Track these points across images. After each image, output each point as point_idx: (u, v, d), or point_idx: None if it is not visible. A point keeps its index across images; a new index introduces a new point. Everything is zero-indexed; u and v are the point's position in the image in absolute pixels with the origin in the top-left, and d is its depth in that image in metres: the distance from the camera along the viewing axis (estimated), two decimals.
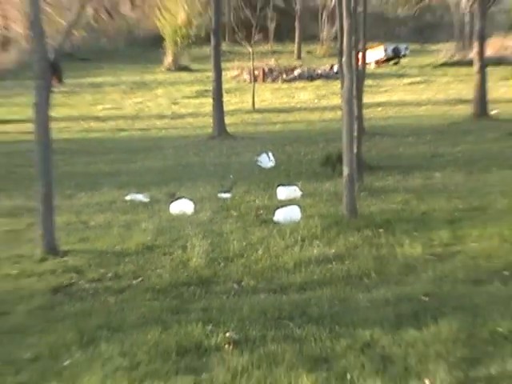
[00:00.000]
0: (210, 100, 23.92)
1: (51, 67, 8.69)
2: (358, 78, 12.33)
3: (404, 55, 38.67)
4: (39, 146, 9.26)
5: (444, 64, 38.68)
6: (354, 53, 11.23)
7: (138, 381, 5.22)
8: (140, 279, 7.78)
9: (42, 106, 9.16)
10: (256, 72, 32.14)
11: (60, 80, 9.56)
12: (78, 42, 15.04)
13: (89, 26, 13.84)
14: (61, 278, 7.77)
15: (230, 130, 22.79)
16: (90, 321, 6.41)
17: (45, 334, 6.18)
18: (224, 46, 27.22)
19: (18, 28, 34.22)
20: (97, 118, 27.66)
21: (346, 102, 10.48)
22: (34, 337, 6.13)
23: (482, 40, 24.66)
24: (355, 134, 11.49)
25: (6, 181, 15.15)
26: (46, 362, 5.65)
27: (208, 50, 27.28)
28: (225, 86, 24.20)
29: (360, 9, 13.07)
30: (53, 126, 9.43)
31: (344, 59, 10.60)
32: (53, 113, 9.40)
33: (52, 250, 8.79)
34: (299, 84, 34.45)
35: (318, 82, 34.22)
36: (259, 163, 15.79)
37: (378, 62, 36.37)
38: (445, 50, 40.92)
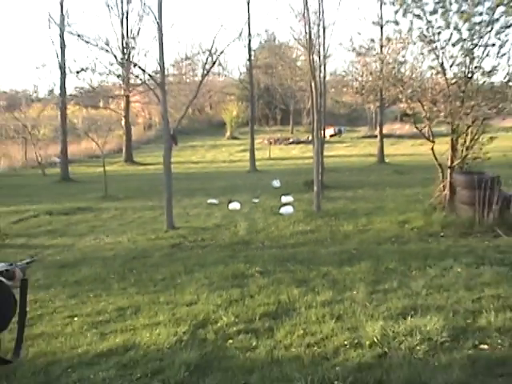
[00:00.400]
0: (248, 153, 38.91)
1: (172, 137, 15.17)
2: (321, 143, 19.24)
3: (342, 133, 59.37)
4: (166, 175, 16.05)
5: (363, 137, 58.08)
6: (319, 130, 18.06)
7: (213, 291, 9.29)
8: (214, 241, 13.83)
9: (167, 156, 15.95)
10: (271, 140, 50.68)
11: (176, 143, 16.03)
12: (184, 125, 22.32)
13: (189, 117, 21.50)
14: (175, 240, 13.98)
15: (258, 168, 37.21)
16: (189, 261, 11.80)
17: (168, 267, 11.36)
18: (255, 127, 41.21)
19: (156, 118, 66.67)
20: (193, 162, 42.58)
21: (315, 154, 17.44)
22: (163, 268, 11.29)
23: (381, 124, 41.93)
24: (320, 170, 18.06)
25: (149, 193, 24.37)
26: (169, 280, 10.37)
27: (247, 128, 45.76)
28: (256, 146, 38.30)
29: (322, 109, 19.40)
30: (172, 166, 16.82)
31: (314, 133, 17.65)
32: (172, 159, 16.91)
33: (171, 226, 15.41)
34: (292, 146, 53.04)
35: (301, 145, 52.37)
36: (273, 184, 25.11)
37: (330, 136, 54.72)
38: (363, 130, 62.03)
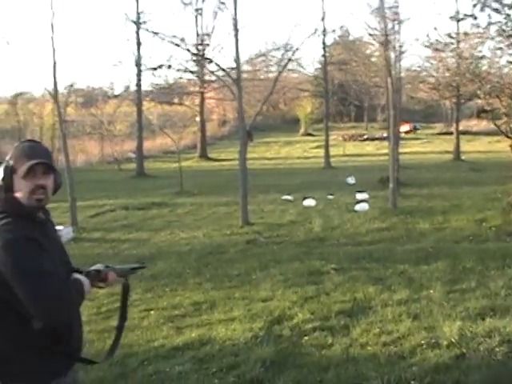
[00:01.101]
0: (322, 150, 39.50)
1: (247, 133, 15.22)
2: (396, 140, 18.47)
3: (418, 129, 59.49)
4: (241, 171, 16.24)
5: (438, 133, 57.73)
6: (395, 127, 17.73)
7: (288, 288, 9.37)
8: (288, 237, 13.85)
9: (243, 152, 16.01)
10: (345, 136, 51.95)
11: (251, 140, 16.01)
12: (258, 121, 22.42)
13: (263, 113, 21.71)
14: (250, 236, 14.06)
15: (332, 164, 36.94)
16: (264, 257, 11.89)
17: (243, 263, 11.47)
18: (329, 124, 41.28)
19: (230, 114, 67.97)
20: (267, 158, 42.56)
21: (391, 151, 17.18)
22: (238, 264, 11.40)
23: (458, 121, 40.98)
24: (396, 167, 17.77)
25: (224, 188, 24.33)
26: (244, 276, 10.48)
27: (321, 125, 48.59)
28: (330, 143, 38.52)
29: (397, 106, 18.99)
30: (247, 162, 17.00)
31: (390, 130, 17.36)
32: (247, 155, 17.02)
33: (246, 222, 15.45)
34: (366, 143, 52.90)
35: (375, 142, 51.75)
36: (347, 181, 24.84)
37: (405, 132, 54.12)
38: (438, 126, 61.51)
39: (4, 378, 3.08)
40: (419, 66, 37.96)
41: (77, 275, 3.28)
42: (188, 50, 20.27)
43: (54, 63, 19.09)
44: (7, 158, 3.22)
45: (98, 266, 3.49)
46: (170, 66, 21.48)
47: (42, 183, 3.17)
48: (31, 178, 3.13)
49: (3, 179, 3.18)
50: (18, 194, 3.17)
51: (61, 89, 21.30)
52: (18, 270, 2.94)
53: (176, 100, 49.32)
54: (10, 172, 3.16)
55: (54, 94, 19.21)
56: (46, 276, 2.95)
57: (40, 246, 3.06)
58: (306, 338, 7.19)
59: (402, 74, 26.34)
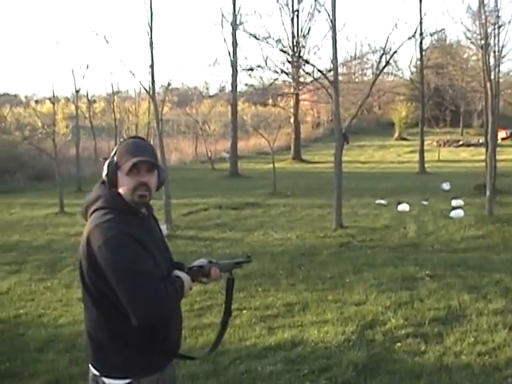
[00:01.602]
0: (417, 155, 39.18)
1: (343, 135, 15.17)
2: (494, 146, 17.92)
3: None
4: (336, 174, 16.24)
5: None
6: (493, 133, 17.45)
7: (381, 292, 9.39)
8: (382, 242, 13.76)
9: (338, 155, 15.96)
10: (440, 142, 50.43)
11: (347, 142, 15.87)
12: (353, 124, 22.54)
13: (358, 116, 21.65)
14: (344, 239, 14.02)
15: (427, 169, 36.21)
16: (358, 260, 11.86)
17: (336, 265, 11.48)
18: (424, 128, 39.69)
19: (324, 117, 69.07)
20: (361, 162, 42.83)
21: (489, 158, 17.18)
22: (331, 266, 11.41)
23: None
24: (493, 174, 17.30)
25: (317, 191, 24.61)
26: (337, 279, 10.48)
27: (415, 129, 49.47)
28: (424, 148, 38.32)
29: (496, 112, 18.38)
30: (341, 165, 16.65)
31: (489, 136, 17.30)
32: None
33: (339, 225, 15.43)
34: (461, 149, 51.72)
35: (471, 148, 50.56)
36: (442, 187, 24.30)
37: (502, 139, 51.68)
38: None
39: (104, 368, 3.18)
40: None
41: (178, 272, 3.32)
42: (284, 51, 20.42)
43: (152, 63, 19.47)
44: (112, 153, 3.29)
45: (202, 262, 3.51)
46: (266, 67, 21.59)
47: (146, 180, 3.22)
48: (135, 174, 3.20)
49: (107, 175, 3.26)
50: (121, 190, 3.24)
51: (157, 88, 22.00)
52: (117, 267, 3.01)
53: (270, 101, 49.52)
54: (114, 168, 3.23)
55: (152, 93, 19.60)
56: (144, 276, 3.01)
57: (141, 243, 3.12)
58: (399, 344, 7.16)
59: (501, 80, 25.87)
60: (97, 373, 3.19)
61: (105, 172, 3.26)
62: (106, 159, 3.30)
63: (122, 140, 3.37)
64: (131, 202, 3.23)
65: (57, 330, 8.27)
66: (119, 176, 3.23)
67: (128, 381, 3.13)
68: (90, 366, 3.27)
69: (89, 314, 3.21)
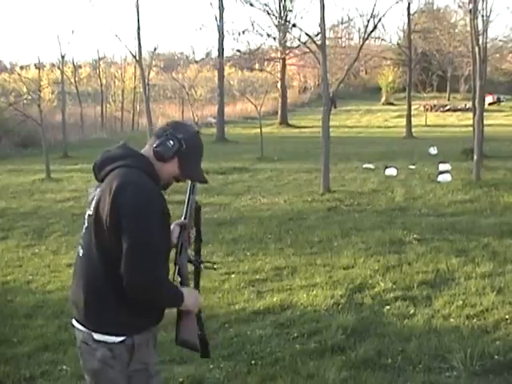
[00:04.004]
0: (404, 119, 39.01)
1: (331, 100, 15.06)
2: (481, 111, 17.90)
3: (502, 101, 56.71)
4: (324, 139, 16.26)
5: None
6: (481, 98, 17.45)
7: (369, 256, 9.42)
8: (370, 206, 13.78)
9: (326, 119, 15.95)
10: (427, 106, 49.26)
11: (335, 106, 15.88)
12: (340, 89, 22.20)
13: (344, 81, 21.51)
14: (331, 203, 14.07)
15: (414, 134, 35.72)
16: (346, 225, 11.89)
17: (324, 230, 11.50)
18: (411, 93, 39.51)
19: (311, 82, 68.77)
20: (348, 126, 42.47)
21: (476, 122, 17.27)
22: (319, 231, 11.42)
23: None
24: (480, 138, 17.34)
25: (305, 155, 24.58)
26: (325, 243, 10.49)
27: (402, 94, 50.55)
28: (411, 113, 38.01)
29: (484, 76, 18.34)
30: None
31: (476, 101, 17.28)
32: None
33: (327, 189, 15.42)
34: (448, 113, 51.24)
35: (458, 113, 50.00)
36: (429, 152, 24.16)
37: (489, 104, 50.20)
38: None
39: (99, 326, 3.17)
40: (505, 37, 37.15)
41: (187, 289, 3.43)
42: (272, 15, 20.23)
43: (139, 26, 19.34)
44: (180, 135, 3.27)
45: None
46: (254, 31, 21.45)
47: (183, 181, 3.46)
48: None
49: (166, 152, 3.26)
50: (161, 167, 3.28)
51: (143, 53, 21.77)
52: (137, 230, 3.03)
53: (257, 66, 49.24)
54: (176, 150, 3.26)
55: (138, 58, 19.46)
56: (156, 253, 3.07)
57: (167, 221, 3.25)
58: (388, 307, 7.20)
59: (488, 45, 25.72)
60: (87, 330, 3.19)
61: (169, 146, 3.25)
62: (165, 131, 3.31)
63: (193, 128, 3.47)
64: (163, 183, 3.35)
65: (45, 295, 8.27)
66: (173, 160, 3.29)
67: (123, 338, 3.15)
68: (76, 325, 3.28)
69: (93, 271, 3.17)
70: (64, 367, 5.94)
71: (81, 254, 3.27)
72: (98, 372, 3.18)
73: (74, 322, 3.30)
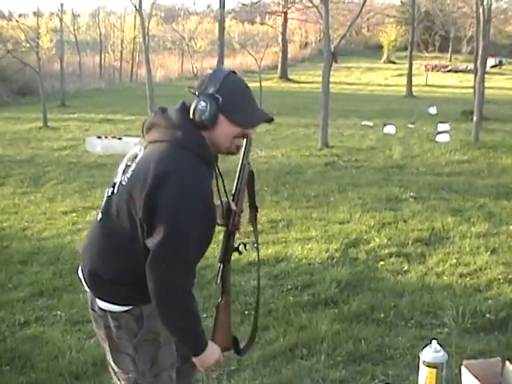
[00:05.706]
0: (404, 78, 38.37)
1: (332, 54, 14.92)
2: (483, 73, 17.79)
3: (504, 64, 55.59)
4: (323, 94, 16.24)
5: None
6: (483, 59, 17.34)
7: (365, 212, 9.43)
8: (367, 163, 13.80)
9: (326, 74, 15.96)
10: (428, 66, 48.90)
11: (336, 61, 15.74)
12: (341, 45, 21.88)
13: (345, 38, 21.26)
14: (329, 159, 14.08)
15: (414, 93, 35.39)
16: (342, 180, 11.93)
17: (321, 184, 11.54)
18: (413, 52, 39.11)
19: (312, 37, 66.73)
20: (347, 83, 42.02)
21: (477, 83, 17.44)
22: (316, 185, 11.47)
23: None
24: (480, 100, 17.37)
25: (304, 110, 24.85)
26: (322, 198, 10.54)
27: (404, 53, 48.71)
28: (412, 72, 37.00)
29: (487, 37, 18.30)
30: None
31: (479, 62, 17.41)
32: None
33: (325, 144, 15.43)
34: (449, 74, 50.41)
35: (459, 74, 49.14)
36: (429, 111, 24.04)
37: (491, 67, 49.06)
38: None
39: (106, 294, 2.96)
40: None
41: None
42: None
43: None
44: (211, 90, 2.79)
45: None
46: None
47: (251, 133, 2.99)
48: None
49: (202, 116, 2.80)
50: (215, 134, 2.86)
51: (144, 3, 21.50)
52: (175, 227, 2.68)
53: (258, 19, 48.80)
54: (216, 108, 2.78)
55: (139, 7, 19.25)
56: (186, 267, 2.85)
57: (213, 226, 2.92)
58: (382, 262, 7.24)
59: (493, 6, 25.37)
60: (91, 295, 3.01)
61: (202, 109, 2.77)
62: (194, 93, 2.83)
63: (225, 78, 2.86)
64: (225, 151, 2.95)
65: (40, 242, 8.29)
66: (220, 120, 2.80)
67: (129, 307, 2.91)
68: (83, 281, 3.07)
69: (111, 242, 2.90)
70: (58, 312, 5.97)
71: (98, 219, 2.98)
72: (105, 338, 3.02)
73: (81, 277, 3.07)
